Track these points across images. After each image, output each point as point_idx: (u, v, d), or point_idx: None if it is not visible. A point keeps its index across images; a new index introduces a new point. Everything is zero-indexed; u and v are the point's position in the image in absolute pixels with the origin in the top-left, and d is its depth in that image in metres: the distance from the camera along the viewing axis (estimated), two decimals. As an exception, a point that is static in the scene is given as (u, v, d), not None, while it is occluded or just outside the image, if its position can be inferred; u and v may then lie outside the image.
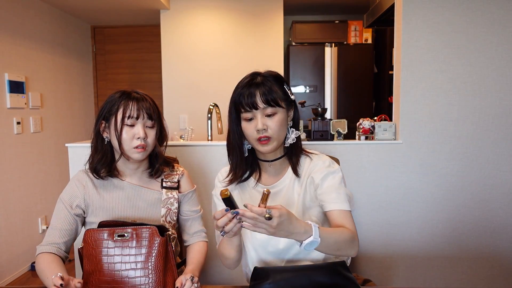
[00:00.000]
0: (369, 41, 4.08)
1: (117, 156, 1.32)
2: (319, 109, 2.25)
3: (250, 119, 1.18)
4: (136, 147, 1.26)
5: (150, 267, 1.14)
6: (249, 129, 1.18)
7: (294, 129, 1.25)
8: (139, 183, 1.35)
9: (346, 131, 2.22)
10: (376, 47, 4.19)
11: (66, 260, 1.27)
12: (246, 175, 1.27)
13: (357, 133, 2.28)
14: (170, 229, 1.31)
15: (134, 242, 1.15)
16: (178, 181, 1.39)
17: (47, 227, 3.36)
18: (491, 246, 2.23)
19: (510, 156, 2.20)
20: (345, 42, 4.05)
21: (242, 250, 1.20)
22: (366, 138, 2.24)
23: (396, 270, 2.25)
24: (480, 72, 2.18)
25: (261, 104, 1.16)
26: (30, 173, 3.23)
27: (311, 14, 4.54)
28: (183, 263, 1.38)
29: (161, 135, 1.36)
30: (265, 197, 0.95)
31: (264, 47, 3.83)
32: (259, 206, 0.94)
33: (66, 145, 2.07)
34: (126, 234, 1.16)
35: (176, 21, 3.79)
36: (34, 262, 3.13)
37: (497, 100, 2.19)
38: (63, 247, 1.27)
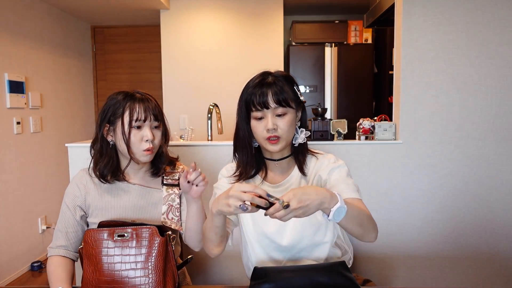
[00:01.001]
0: (369, 41, 4.08)
1: (121, 158, 1.32)
2: (319, 109, 2.25)
3: (260, 118, 1.19)
4: (145, 150, 1.26)
5: (150, 267, 1.14)
6: (259, 128, 1.19)
7: (303, 129, 1.26)
8: (141, 183, 1.35)
9: (346, 131, 2.21)
10: (376, 47, 4.19)
11: (76, 259, 1.31)
12: (252, 173, 1.28)
13: (357, 133, 2.28)
14: (173, 226, 1.32)
15: (134, 242, 1.15)
16: (179, 178, 1.39)
17: (47, 227, 3.37)
18: (491, 246, 2.23)
19: (511, 156, 2.20)
20: (345, 42, 4.04)
21: (223, 236, 1.18)
22: (366, 138, 2.24)
23: (396, 270, 2.25)
24: (480, 72, 2.18)
25: (272, 104, 1.17)
26: (30, 173, 3.23)
27: (311, 14, 4.54)
28: (184, 264, 1.38)
29: (165, 134, 1.36)
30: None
31: (264, 47, 3.83)
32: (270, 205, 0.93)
33: (66, 145, 2.07)
34: (126, 234, 1.16)
35: (176, 21, 3.79)
36: (34, 262, 3.16)
37: (498, 100, 2.18)
38: (71, 248, 1.30)
